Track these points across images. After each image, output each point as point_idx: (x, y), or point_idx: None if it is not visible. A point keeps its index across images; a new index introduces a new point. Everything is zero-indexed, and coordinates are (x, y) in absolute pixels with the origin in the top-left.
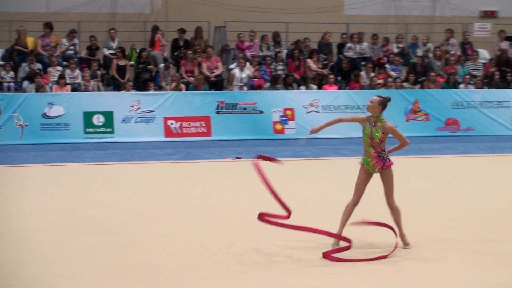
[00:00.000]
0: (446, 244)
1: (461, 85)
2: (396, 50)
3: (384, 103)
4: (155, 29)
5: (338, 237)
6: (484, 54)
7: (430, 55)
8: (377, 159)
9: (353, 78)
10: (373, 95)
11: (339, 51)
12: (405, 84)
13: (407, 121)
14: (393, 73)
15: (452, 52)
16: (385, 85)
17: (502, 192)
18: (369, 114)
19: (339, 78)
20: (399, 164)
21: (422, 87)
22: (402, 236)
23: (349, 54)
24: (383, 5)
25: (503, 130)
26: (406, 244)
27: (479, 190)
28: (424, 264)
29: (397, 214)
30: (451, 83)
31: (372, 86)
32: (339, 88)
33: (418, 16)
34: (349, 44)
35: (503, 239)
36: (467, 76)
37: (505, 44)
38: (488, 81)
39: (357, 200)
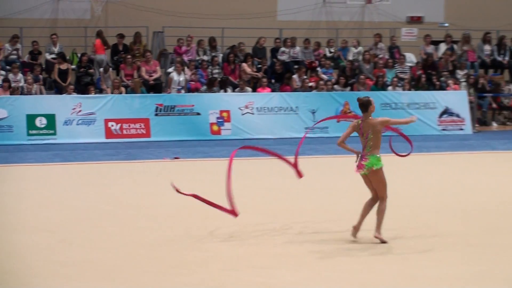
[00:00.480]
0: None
1: (389, 87)
2: (329, 54)
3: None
4: (100, 33)
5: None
6: (411, 58)
7: (360, 58)
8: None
9: (285, 81)
10: (305, 98)
11: (273, 55)
12: (336, 86)
13: (338, 122)
14: (324, 76)
15: (380, 56)
16: (316, 88)
17: (428, 189)
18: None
19: (272, 81)
20: (336, 163)
21: (352, 89)
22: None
23: (283, 58)
24: (315, 11)
25: (430, 130)
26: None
27: (406, 187)
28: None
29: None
30: (380, 86)
31: (304, 89)
32: (273, 91)
33: (348, 21)
34: (282, 49)
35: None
36: (395, 79)
37: (430, 48)
38: (415, 84)
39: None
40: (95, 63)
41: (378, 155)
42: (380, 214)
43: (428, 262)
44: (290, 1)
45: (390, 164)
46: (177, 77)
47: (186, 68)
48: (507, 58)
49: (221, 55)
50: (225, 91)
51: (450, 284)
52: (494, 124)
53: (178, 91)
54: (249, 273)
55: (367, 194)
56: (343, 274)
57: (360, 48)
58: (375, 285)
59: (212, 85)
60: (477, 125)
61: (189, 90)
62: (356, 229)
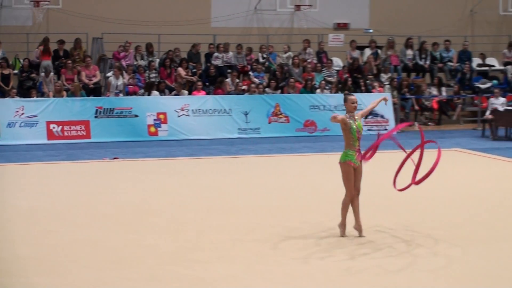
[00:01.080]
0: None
1: (318, 90)
2: (261, 60)
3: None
4: (47, 40)
5: None
6: (338, 62)
7: (290, 62)
8: (358, 152)
9: (217, 85)
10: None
11: (207, 60)
12: (267, 89)
13: (269, 123)
14: (256, 80)
15: (309, 60)
16: (249, 91)
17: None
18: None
19: (207, 84)
20: (265, 162)
21: (282, 92)
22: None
23: (216, 62)
24: (246, 18)
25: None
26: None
27: (332, 185)
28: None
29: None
30: (309, 88)
31: (237, 92)
32: (207, 94)
33: (278, 27)
34: (216, 54)
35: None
36: (323, 82)
37: (356, 53)
38: (341, 87)
39: (354, 194)
40: (41, 68)
41: (345, 150)
42: (342, 206)
43: (369, 253)
44: (223, 8)
45: (320, 162)
46: (115, 81)
47: (124, 73)
48: (428, 62)
49: (157, 60)
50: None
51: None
52: (416, 124)
53: (116, 94)
54: (185, 267)
55: (296, 191)
56: (274, 268)
57: (289, 53)
58: (305, 277)
59: (149, 88)
60: None
61: (127, 93)
62: (357, 228)
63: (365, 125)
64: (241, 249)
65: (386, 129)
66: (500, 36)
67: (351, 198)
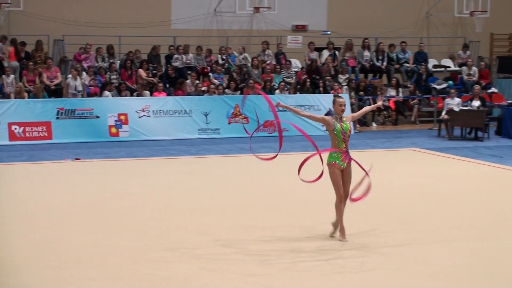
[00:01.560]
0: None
1: (277, 91)
2: (221, 62)
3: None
4: (15, 41)
5: None
6: (297, 63)
7: (249, 64)
8: (345, 154)
9: (178, 86)
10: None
11: (167, 61)
12: (227, 90)
13: (229, 123)
14: (216, 81)
15: (268, 62)
16: (208, 92)
17: (312, 186)
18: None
19: (167, 85)
20: (225, 162)
21: (242, 93)
22: (342, 229)
23: (176, 64)
24: (206, 20)
25: (315, 131)
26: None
27: (291, 185)
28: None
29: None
30: (268, 89)
31: (197, 93)
32: (168, 95)
33: (237, 29)
34: (176, 55)
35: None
36: (282, 83)
37: (314, 55)
38: (300, 87)
39: (343, 195)
40: (10, 69)
41: (330, 152)
42: (335, 209)
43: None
44: (183, 10)
45: (279, 162)
46: (74, 82)
47: (85, 74)
48: (385, 64)
49: (118, 61)
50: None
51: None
52: (374, 125)
53: (75, 95)
54: (147, 266)
55: (256, 191)
56: (234, 267)
57: (245, 54)
58: (264, 277)
59: (105, 88)
60: (358, 125)
61: (88, 94)
62: (336, 230)
63: (324, 125)
64: (202, 248)
65: None
66: (455, 38)
67: (340, 199)
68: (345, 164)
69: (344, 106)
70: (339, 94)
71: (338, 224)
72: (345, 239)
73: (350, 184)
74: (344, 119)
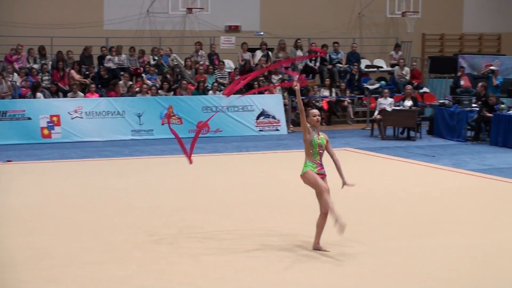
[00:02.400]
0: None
1: (210, 92)
2: (152, 62)
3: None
4: None
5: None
6: (230, 64)
7: (180, 64)
8: (320, 166)
9: (110, 87)
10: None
11: (100, 62)
12: (160, 91)
13: (162, 124)
14: (149, 82)
15: (201, 62)
16: (140, 92)
17: (246, 186)
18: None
19: (99, 86)
20: (159, 163)
21: (175, 94)
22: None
23: (109, 65)
24: (139, 21)
25: (248, 131)
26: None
27: (226, 185)
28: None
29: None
30: (201, 90)
31: (130, 94)
32: (100, 96)
33: (170, 30)
34: (108, 56)
35: (252, 229)
36: (215, 84)
37: (247, 55)
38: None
39: (328, 188)
40: None
41: (305, 162)
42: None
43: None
44: (115, 11)
45: (213, 162)
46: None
47: (16, 75)
48: (317, 64)
49: (50, 62)
50: (57, 96)
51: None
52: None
53: (1, 97)
54: (80, 268)
55: (191, 192)
56: (170, 268)
57: (173, 55)
58: (200, 277)
59: (36, 90)
60: (291, 125)
61: (20, 96)
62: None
63: (257, 126)
64: (137, 249)
65: (277, 130)
66: (387, 38)
67: (328, 191)
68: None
69: (319, 115)
70: (309, 105)
71: (337, 216)
72: (321, 248)
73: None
74: (320, 133)
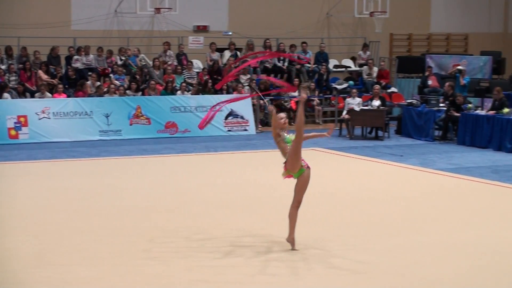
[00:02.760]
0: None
1: (178, 92)
2: (119, 62)
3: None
4: None
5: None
6: (198, 64)
7: (148, 64)
8: (305, 162)
9: (78, 88)
10: (281, 114)
11: (67, 62)
12: (128, 91)
13: (131, 125)
14: (117, 82)
15: (170, 63)
16: (108, 92)
17: (215, 186)
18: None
19: (67, 87)
20: (127, 164)
21: (143, 94)
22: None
23: (77, 65)
24: (107, 21)
25: (217, 131)
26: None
27: (195, 185)
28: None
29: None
30: (169, 90)
31: (98, 94)
32: (68, 96)
33: (138, 30)
34: (76, 56)
35: (218, 229)
36: (183, 84)
37: (216, 55)
38: (202, 88)
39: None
40: None
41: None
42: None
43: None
44: (83, 11)
45: (182, 162)
46: None
47: None
48: (286, 64)
49: (17, 63)
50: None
51: None
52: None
53: None
54: (48, 270)
55: (159, 192)
56: (138, 269)
57: (141, 56)
58: (169, 277)
59: (2, 90)
60: (260, 126)
61: None
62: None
63: (226, 126)
64: (105, 250)
65: (246, 130)
66: (355, 38)
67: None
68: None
69: (285, 117)
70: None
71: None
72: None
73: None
74: (286, 134)
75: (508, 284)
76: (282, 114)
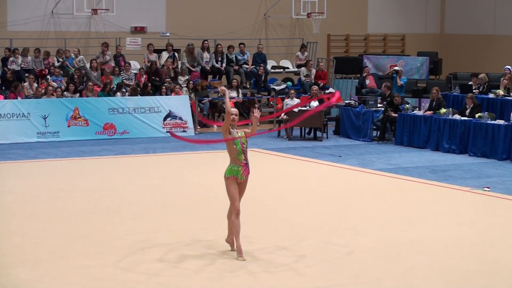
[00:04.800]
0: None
1: (118, 94)
2: (56, 64)
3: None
4: None
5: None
6: (136, 65)
7: (88, 65)
8: (245, 167)
9: (12, 90)
10: (36, 104)
11: (4, 64)
12: (66, 93)
13: (68, 126)
14: (54, 84)
15: (107, 64)
16: (46, 93)
17: (154, 188)
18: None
19: (4, 88)
20: (65, 165)
21: (81, 96)
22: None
23: (13, 67)
24: (44, 22)
25: (155, 133)
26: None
27: (134, 187)
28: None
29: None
30: (107, 92)
31: (36, 96)
32: (5, 98)
33: (75, 31)
34: (12, 58)
35: (158, 230)
36: (121, 84)
37: (153, 56)
38: (141, 90)
39: (239, 209)
40: None
41: (230, 165)
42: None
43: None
44: (19, 12)
45: (121, 164)
46: None
47: None
48: (224, 65)
49: None
50: None
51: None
52: (215, 126)
53: None
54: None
55: (97, 194)
56: (79, 270)
57: (81, 57)
58: (110, 279)
59: None
60: (199, 127)
61: None
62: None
63: (165, 127)
64: (44, 252)
65: (185, 131)
66: (293, 39)
67: (237, 213)
68: (243, 178)
69: (235, 115)
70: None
71: (233, 240)
72: (243, 257)
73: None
74: (239, 132)
75: (446, 282)
76: (234, 110)
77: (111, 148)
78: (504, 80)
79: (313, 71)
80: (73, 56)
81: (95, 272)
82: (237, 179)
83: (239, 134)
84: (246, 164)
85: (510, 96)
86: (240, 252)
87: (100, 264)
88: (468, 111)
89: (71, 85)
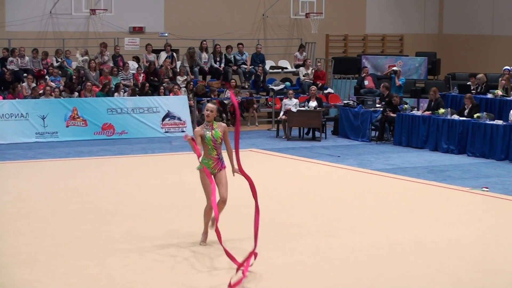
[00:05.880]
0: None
1: (116, 94)
2: (55, 64)
3: (219, 109)
4: None
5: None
6: (134, 66)
7: (86, 66)
8: (217, 161)
9: (10, 91)
10: (209, 104)
11: (2, 64)
12: (64, 93)
13: (67, 127)
14: (52, 84)
15: (105, 64)
16: (44, 94)
17: (152, 188)
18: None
19: (2, 89)
20: (64, 166)
21: (79, 96)
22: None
23: (11, 67)
24: (42, 22)
25: (154, 133)
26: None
27: (132, 187)
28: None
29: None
30: (106, 92)
31: (34, 96)
32: (4, 98)
33: (74, 31)
34: (10, 58)
35: (156, 230)
36: (120, 85)
37: (152, 56)
38: (139, 90)
39: (226, 198)
40: None
41: (201, 159)
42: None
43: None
44: (17, 12)
45: (119, 164)
46: None
47: None
48: (222, 65)
49: None
50: None
51: None
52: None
53: None
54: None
55: (96, 194)
56: (76, 271)
57: (85, 57)
58: (105, 279)
59: None
60: (197, 126)
61: None
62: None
63: (163, 127)
64: (42, 253)
65: (183, 131)
66: (292, 39)
67: (223, 201)
68: (216, 171)
69: (210, 111)
70: (208, 99)
71: (206, 230)
72: (205, 243)
73: (227, 189)
74: (216, 126)
75: (444, 282)
76: (210, 105)
77: (110, 148)
78: (503, 81)
79: (311, 69)
80: (79, 56)
81: (93, 273)
82: (208, 171)
83: (214, 131)
84: (219, 159)
85: (508, 96)
86: (205, 238)
87: (98, 264)
88: (466, 111)
89: (66, 89)
